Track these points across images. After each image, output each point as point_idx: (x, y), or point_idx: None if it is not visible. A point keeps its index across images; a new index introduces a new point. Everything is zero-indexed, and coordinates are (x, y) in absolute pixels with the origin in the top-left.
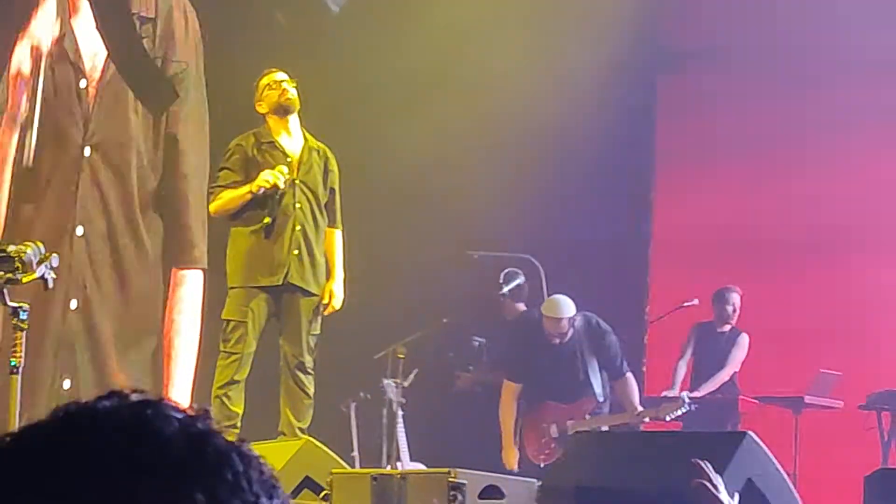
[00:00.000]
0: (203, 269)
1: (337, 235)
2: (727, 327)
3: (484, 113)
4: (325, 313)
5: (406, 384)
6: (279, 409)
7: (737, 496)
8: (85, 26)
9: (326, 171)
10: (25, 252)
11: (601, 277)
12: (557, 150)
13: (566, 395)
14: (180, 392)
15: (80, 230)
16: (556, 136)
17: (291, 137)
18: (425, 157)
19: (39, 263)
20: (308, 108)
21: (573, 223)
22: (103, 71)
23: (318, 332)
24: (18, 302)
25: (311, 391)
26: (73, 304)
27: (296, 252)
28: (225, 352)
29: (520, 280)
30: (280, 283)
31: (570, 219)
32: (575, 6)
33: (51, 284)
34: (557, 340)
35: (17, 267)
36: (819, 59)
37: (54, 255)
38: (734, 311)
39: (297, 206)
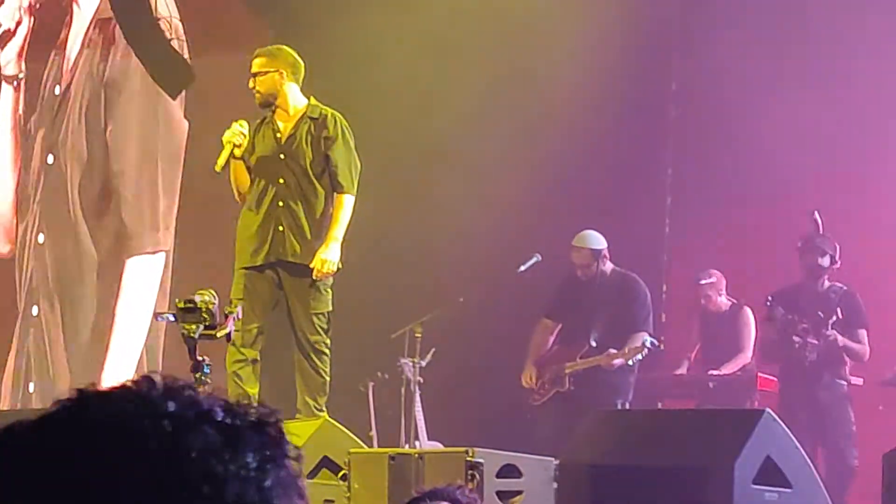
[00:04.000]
0: (152, 252)
1: (343, 200)
2: (723, 306)
3: (505, 90)
4: (315, 278)
5: (423, 363)
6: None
7: None
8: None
9: (320, 139)
10: (213, 304)
11: (617, 255)
12: (575, 135)
13: (571, 338)
14: (112, 379)
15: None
16: (575, 120)
17: (290, 113)
18: (440, 134)
19: (227, 316)
20: (322, 80)
21: (589, 205)
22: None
23: (327, 308)
24: (201, 356)
25: (325, 370)
26: (35, 310)
27: (280, 228)
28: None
29: (536, 259)
30: (262, 262)
31: (587, 200)
32: None
33: (233, 338)
34: (581, 273)
35: (205, 318)
36: None
37: (238, 305)
38: (717, 293)
39: (280, 181)
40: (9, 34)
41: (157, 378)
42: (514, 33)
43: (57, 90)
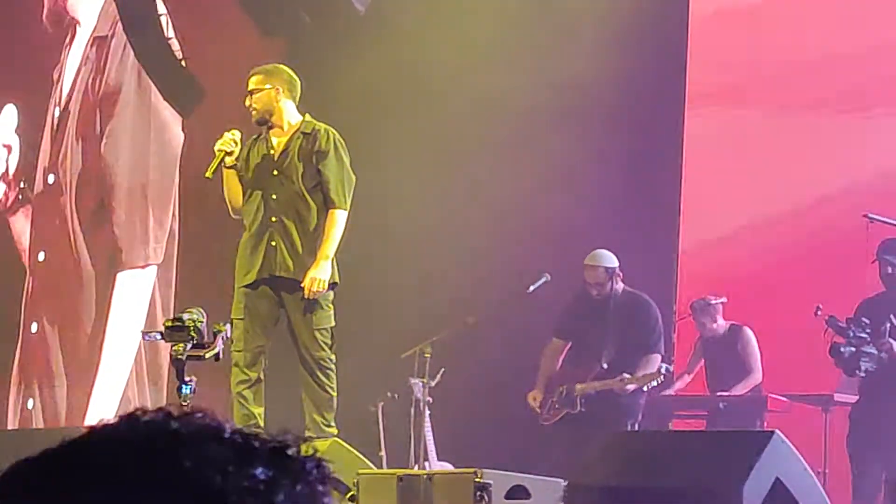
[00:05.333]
0: (142, 267)
1: (335, 216)
2: (721, 329)
3: (511, 113)
4: (306, 296)
5: (433, 384)
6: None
7: None
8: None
9: (311, 153)
10: (201, 321)
11: (629, 275)
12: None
13: (581, 358)
14: (101, 395)
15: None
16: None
17: (284, 129)
18: (448, 154)
19: (215, 335)
20: (329, 106)
21: (599, 225)
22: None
23: (329, 323)
24: (189, 376)
25: (331, 385)
26: (34, 327)
27: (273, 244)
28: (231, 351)
29: (545, 279)
30: (255, 278)
31: (596, 221)
32: None
33: (221, 357)
34: (595, 292)
35: (192, 337)
36: None
37: (227, 324)
38: (713, 315)
39: (273, 196)
40: None
41: (169, 409)
42: (523, 48)
43: (56, 112)
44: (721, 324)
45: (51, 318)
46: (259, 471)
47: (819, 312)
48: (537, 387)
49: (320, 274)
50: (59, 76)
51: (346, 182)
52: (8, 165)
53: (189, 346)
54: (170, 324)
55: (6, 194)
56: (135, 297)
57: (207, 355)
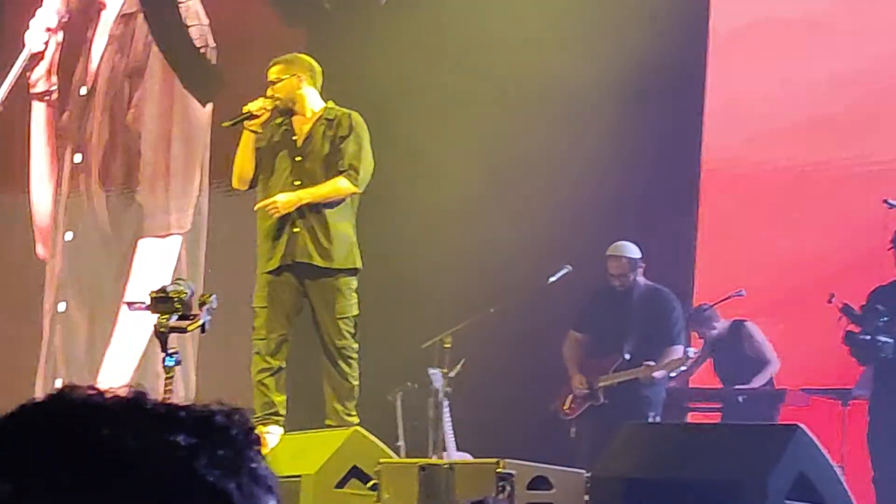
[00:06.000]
0: (164, 236)
1: (337, 180)
2: (723, 329)
3: (537, 100)
4: (268, 210)
5: (452, 374)
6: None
7: None
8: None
9: (335, 138)
10: (185, 293)
11: (648, 268)
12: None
13: (603, 350)
14: (112, 367)
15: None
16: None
17: (307, 116)
18: (469, 144)
19: (201, 305)
20: (353, 95)
21: (619, 218)
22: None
23: (353, 312)
24: (173, 349)
25: (353, 375)
26: (62, 306)
27: (295, 230)
28: (253, 339)
29: (566, 269)
30: (278, 264)
31: (616, 213)
32: None
33: (208, 327)
34: (618, 283)
35: (177, 308)
36: None
37: (213, 296)
38: (710, 321)
39: (297, 183)
40: (38, 56)
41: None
42: (545, 39)
43: (83, 91)
44: (721, 324)
45: (79, 297)
46: (181, 437)
47: (833, 300)
48: (575, 375)
49: (283, 199)
50: (87, 57)
51: (362, 162)
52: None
53: (174, 317)
54: (155, 295)
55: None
56: (155, 265)
57: (191, 327)
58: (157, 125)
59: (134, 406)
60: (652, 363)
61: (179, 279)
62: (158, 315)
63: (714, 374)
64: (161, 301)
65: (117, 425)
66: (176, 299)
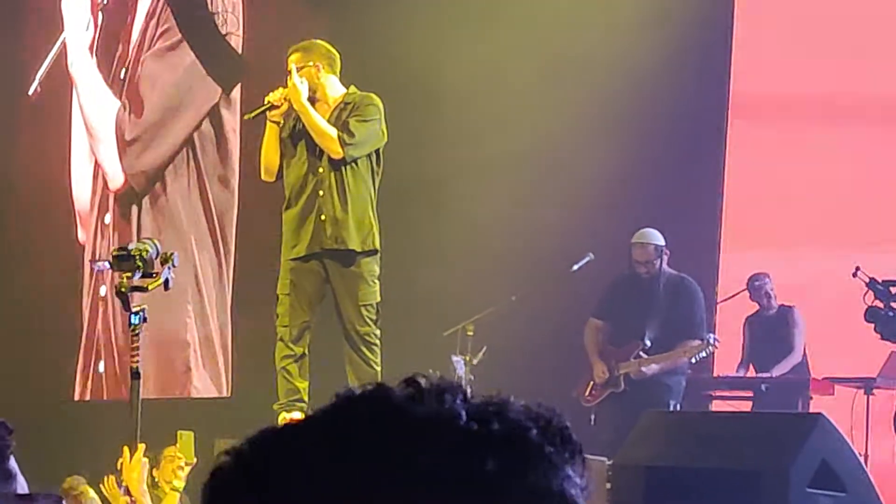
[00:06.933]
0: None
1: (336, 138)
2: (772, 309)
3: (560, 87)
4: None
5: (475, 362)
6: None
7: None
8: None
9: (349, 117)
10: (147, 251)
11: (672, 257)
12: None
13: (623, 338)
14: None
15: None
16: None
17: (329, 104)
18: (495, 132)
19: (163, 263)
20: (375, 80)
21: (643, 206)
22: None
23: (375, 299)
24: (138, 305)
25: (375, 361)
26: (103, 290)
27: (322, 217)
28: (277, 326)
29: (589, 257)
30: (305, 252)
31: (640, 202)
32: None
33: (171, 285)
34: (644, 270)
35: (139, 266)
36: None
37: (175, 252)
38: (769, 293)
39: (320, 170)
40: (77, 39)
41: (420, 381)
42: (569, 28)
43: (123, 74)
44: (773, 305)
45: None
46: (489, 464)
47: (857, 274)
48: (596, 363)
49: (275, 96)
50: (126, 40)
51: (360, 131)
52: None
53: (138, 275)
54: (116, 253)
55: None
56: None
57: (151, 286)
58: (164, 94)
59: (445, 418)
60: (677, 350)
61: (145, 238)
62: (120, 273)
63: (745, 354)
64: (123, 259)
65: (423, 442)
66: (137, 257)
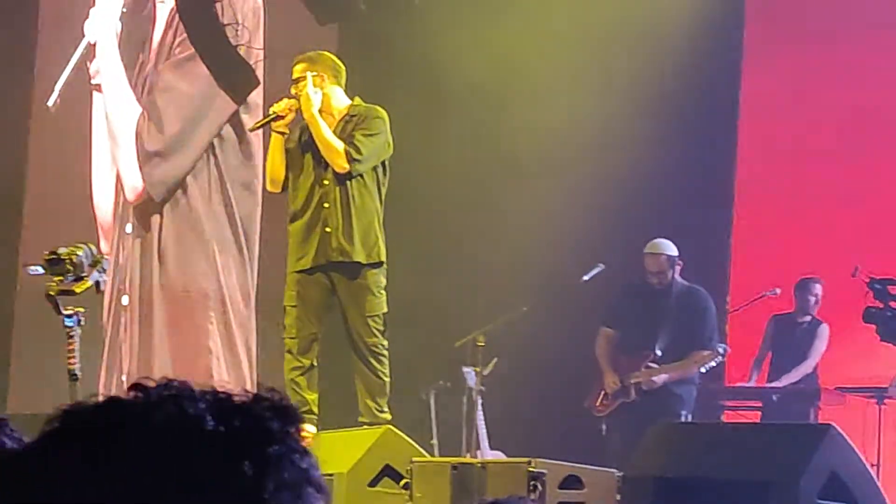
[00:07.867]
0: None
1: (342, 152)
2: (808, 318)
3: (572, 99)
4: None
5: (486, 372)
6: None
7: None
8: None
9: (354, 130)
10: (77, 254)
11: (684, 267)
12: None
13: (634, 348)
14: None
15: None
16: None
17: (334, 115)
18: (502, 144)
19: (93, 266)
20: (382, 97)
21: (654, 216)
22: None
23: (381, 310)
24: (73, 308)
25: (384, 371)
26: (125, 300)
27: (327, 230)
28: (284, 338)
29: (600, 268)
30: (311, 265)
31: (651, 212)
32: None
33: (103, 287)
34: (656, 280)
35: (69, 269)
36: None
37: (106, 257)
38: (816, 302)
39: (326, 182)
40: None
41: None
42: (579, 40)
43: (143, 82)
44: (812, 313)
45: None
46: (245, 465)
47: (857, 273)
48: (608, 373)
49: (282, 104)
50: (147, 48)
51: (366, 145)
52: None
53: (69, 279)
54: (47, 257)
55: None
56: None
57: (79, 289)
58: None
59: (195, 424)
60: (685, 360)
61: (81, 242)
62: (52, 277)
63: (762, 352)
64: (53, 263)
65: (182, 446)
66: (67, 261)
